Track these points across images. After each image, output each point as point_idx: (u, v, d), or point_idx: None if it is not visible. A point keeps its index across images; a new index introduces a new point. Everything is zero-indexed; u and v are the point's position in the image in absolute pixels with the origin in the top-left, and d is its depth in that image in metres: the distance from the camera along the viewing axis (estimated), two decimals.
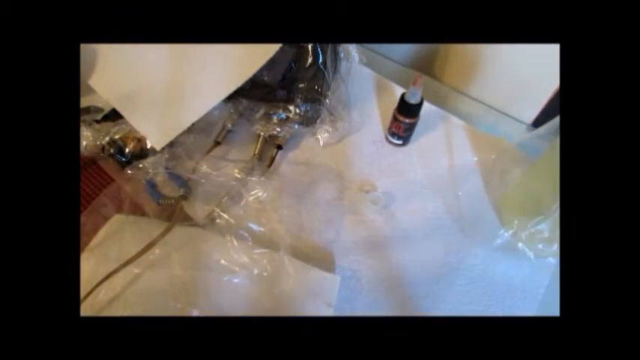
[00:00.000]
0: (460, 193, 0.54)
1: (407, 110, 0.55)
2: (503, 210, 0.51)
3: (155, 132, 0.53)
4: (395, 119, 0.56)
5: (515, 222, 0.47)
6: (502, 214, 0.51)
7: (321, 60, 0.56)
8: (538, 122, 0.67)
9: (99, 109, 0.58)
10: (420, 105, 0.55)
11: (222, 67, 0.54)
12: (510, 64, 0.66)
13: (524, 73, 0.64)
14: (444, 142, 0.60)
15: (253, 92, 0.57)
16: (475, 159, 0.57)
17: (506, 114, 0.69)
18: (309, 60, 0.56)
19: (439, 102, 0.66)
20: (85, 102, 0.58)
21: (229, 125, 0.58)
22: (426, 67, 0.76)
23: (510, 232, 0.47)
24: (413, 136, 0.59)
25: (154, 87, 0.55)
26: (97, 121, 0.56)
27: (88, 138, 0.55)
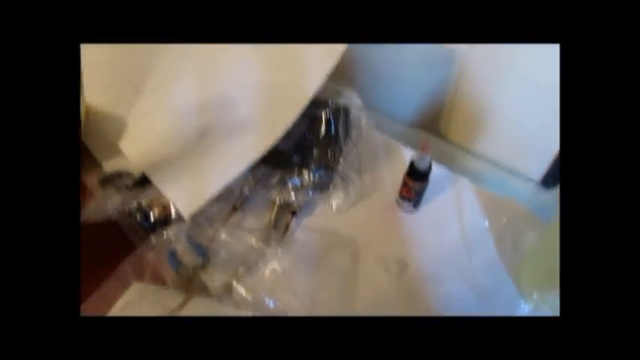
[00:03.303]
0: (474, 261, 0.50)
1: (417, 175, 0.53)
2: (521, 280, 0.47)
3: (183, 199, 0.52)
4: (405, 184, 0.55)
5: (535, 295, 0.43)
6: (520, 284, 0.47)
7: (333, 129, 0.56)
8: (547, 179, 0.64)
9: (130, 175, 0.58)
10: (429, 170, 0.53)
11: (246, 135, 0.53)
12: (514, 120, 0.64)
13: (529, 129, 0.62)
14: (454, 206, 0.57)
15: (270, 159, 0.57)
16: (486, 223, 0.54)
17: (514, 170, 0.67)
18: (323, 130, 0.56)
19: (447, 161, 0.64)
20: (117, 164, 0.59)
21: (247, 191, 0.57)
22: (431, 125, 0.75)
23: (531, 304, 0.44)
24: (424, 200, 0.57)
25: (183, 154, 0.55)
26: (128, 187, 0.57)
27: (117, 203, 0.55)
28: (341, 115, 0.56)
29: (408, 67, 0.71)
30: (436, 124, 0.74)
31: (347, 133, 0.60)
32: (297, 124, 0.53)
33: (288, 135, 0.53)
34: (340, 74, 0.51)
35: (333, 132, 0.55)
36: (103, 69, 0.56)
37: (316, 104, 0.53)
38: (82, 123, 0.57)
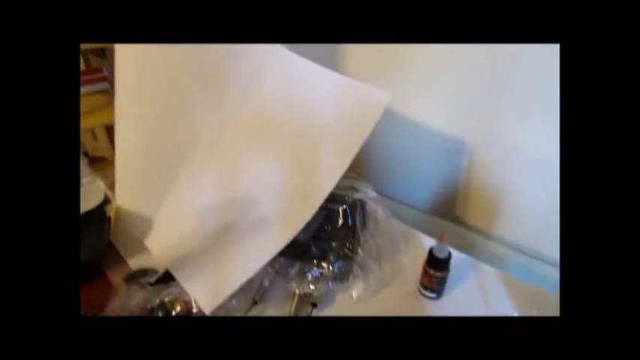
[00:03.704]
0: None
1: (437, 264, 0.53)
2: None
3: (205, 295, 0.52)
4: (426, 272, 0.54)
5: None
6: None
7: (350, 220, 0.58)
8: None
9: (154, 272, 0.60)
10: (448, 258, 0.53)
11: (266, 230, 0.56)
12: (532, 201, 0.65)
13: (548, 210, 0.62)
14: (479, 295, 0.55)
15: (288, 250, 0.58)
16: (516, 315, 0.51)
17: (538, 254, 0.66)
18: (340, 221, 0.58)
19: (467, 247, 0.64)
20: (142, 261, 0.61)
21: (266, 283, 0.58)
22: (447, 211, 0.76)
23: None
24: (446, 288, 0.56)
25: (206, 250, 0.57)
26: (151, 284, 0.58)
27: (140, 300, 0.56)
28: (357, 207, 0.58)
29: (419, 156, 0.75)
30: (452, 210, 0.75)
31: (364, 224, 0.61)
32: (315, 216, 0.55)
33: (307, 226, 0.55)
34: (355, 164, 0.54)
35: (350, 223, 0.57)
36: (134, 175, 0.62)
37: (333, 199, 0.56)
38: (112, 224, 0.61)
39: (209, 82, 0.60)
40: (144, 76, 0.58)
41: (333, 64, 0.77)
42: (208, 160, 0.62)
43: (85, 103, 0.83)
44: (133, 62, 0.57)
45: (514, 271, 0.60)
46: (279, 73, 0.59)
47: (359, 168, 0.63)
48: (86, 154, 0.80)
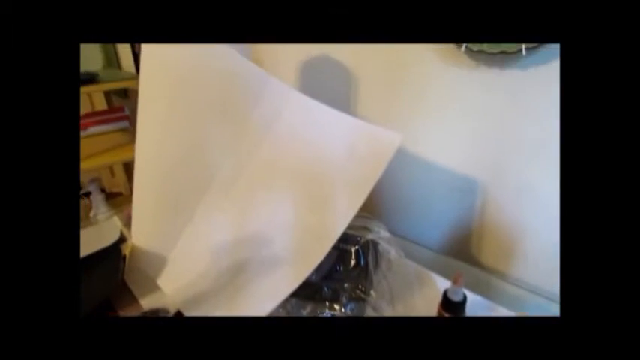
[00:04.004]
0: None
1: (451, 307, 0.52)
2: None
3: None
4: (440, 316, 0.53)
5: None
6: None
7: (363, 261, 0.58)
8: None
9: (166, 312, 0.60)
10: (464, 301, 0.52)
11: (278, 271, 0.56)
12: (548, 241, 0.64)
13: None
14: None
15: (300, 291, 0.57)
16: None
17: (555, 295, 0.64)
18: (352, 262, 0.58)
19: (482, 289, 0.62)
20: (154, 301, 0.61)
21: None
22: (462, 251, 0.75)
23: None
24: None
25: (218, 290, 0.57)
26: None
27: None
28: (370, 247, 0.58)
29: (432, 195, 0.75)
30: (467, 250, 0.74)
31: (377, 264, 0.61)
32: (327, 257, 0.55)
33: (319, 267, 0.55)
34: (368, 204, 0.54)
35: (362, 264, 0.56)
36: (151, 213, 0.63)
37: (345, 239, 0.56)
38: (126, 262, 0.62)
39: (228, 122, 0.62)
40: (165, 115, 0.61)
41: (346, 106, 0.79)
42: (224, 199, 0.63)
43: (105, 141, 0.87)
44: (155, 101, 0.59)
45: (532, 314, 0.58)
46: (295, 116, 0.61)
47: (371, 207, 0.63)
48: (103, 191, 0.82)
